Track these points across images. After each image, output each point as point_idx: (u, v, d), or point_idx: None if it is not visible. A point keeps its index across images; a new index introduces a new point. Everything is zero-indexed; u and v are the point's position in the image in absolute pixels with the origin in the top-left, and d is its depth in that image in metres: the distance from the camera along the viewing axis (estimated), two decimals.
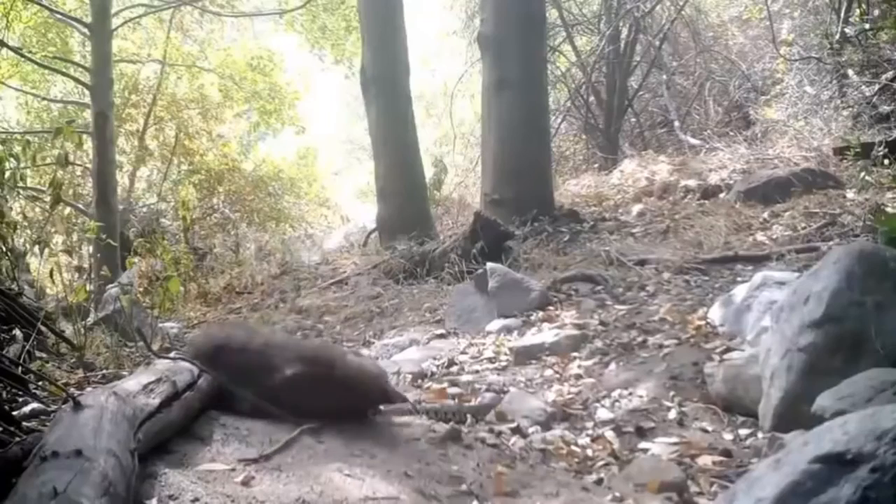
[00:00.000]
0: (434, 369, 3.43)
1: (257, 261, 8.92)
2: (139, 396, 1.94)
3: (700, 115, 10.90)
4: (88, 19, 9.44)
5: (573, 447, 2.34)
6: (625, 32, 10.64)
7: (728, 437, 2.33)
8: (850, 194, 5.75)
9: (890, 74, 7.99)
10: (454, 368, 3.43)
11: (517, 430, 2.48)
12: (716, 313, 3.39)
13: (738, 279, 4.02)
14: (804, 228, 5.10)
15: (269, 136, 15.87)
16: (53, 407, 2.22)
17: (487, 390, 2.98)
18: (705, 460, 2.13)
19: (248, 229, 12.08)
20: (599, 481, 2.08)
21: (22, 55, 10.48)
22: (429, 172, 9.06)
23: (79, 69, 10.19)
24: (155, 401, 1.97)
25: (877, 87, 8.05)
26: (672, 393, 2.71)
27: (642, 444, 2.33)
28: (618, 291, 4.29)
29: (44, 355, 3.13)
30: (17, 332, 3.01)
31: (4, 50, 9.85)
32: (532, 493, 1.90)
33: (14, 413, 2.07)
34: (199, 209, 12.10)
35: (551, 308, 4.10)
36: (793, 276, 3.15)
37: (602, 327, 3.63)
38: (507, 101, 6.59)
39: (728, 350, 2.98)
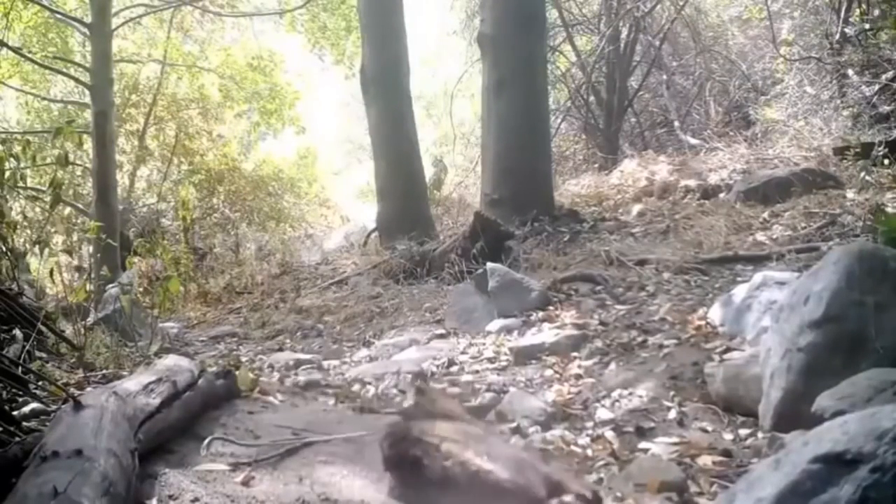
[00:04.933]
0: (434, 369, 3.43)
1: (257, 261, 8.93)
2: (139, 396, 1.95)
3: (700, 115, 10.90)
4: (88, 19, 9.44)
5: (573, 447, 2.33)
6: (625, 32, 10.64)
7: (728, 437, 2.33)
8: (850, 194, 5.75)
9: (890, 74, 7.99)
10: (454, 368, 3.43)
11: (517, 430, 2.48)
12: (716, 313, 3.39)
13: (738, 279, 4.02)
14: (804, 228, 5.09)
15: (270, 136, 15.88)
16: (53, 407, 2.22)
17: (487, 390, 2.98)
18: (705, 460, 2.13)
19: (248, 229, 12.09)
20: (599, 481, 2.07)
21: (22, 55, 10.49)
22: (429, 172, 9.07)
23: (79, 69, 10.19)
24: (155, 401, 1.98)
25: (877, 87, 8.05)
26: (672, 393, 2.70)
27: (642, 444, 2.33)
28: (618, 291, 4.28)
29: (44, 355, 3.13)
30: (17, 332, 3.01)
31: (4, 50, 9.85)
32: None
33: (14, 413, 2.07)
34: (199, 209, 12.11)
35: (551, 308, 4.10)
36: (793, 276, 3.14)
37: (602, 327, 3.63)
38: (507, 101, 6.58)
39: (728, 350, 2.97)
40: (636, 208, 6.98)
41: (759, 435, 2.27)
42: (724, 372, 2.62)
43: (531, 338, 3.60)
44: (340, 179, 19.77)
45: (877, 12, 8.63)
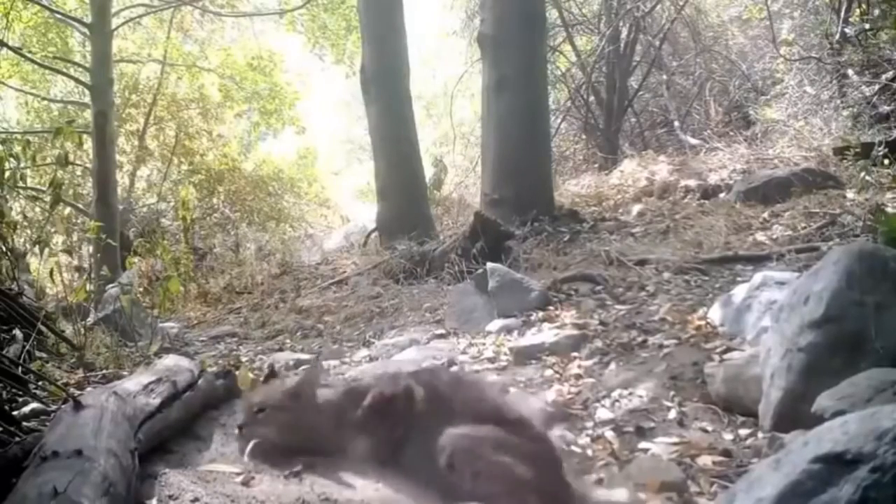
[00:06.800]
0: None
1: (257, 261, 8.92)
2: (139, 396, 1.95)
3: (700, 115, 10.90)
4: (88, 19, 9.45)
5: (573, 447, 2.33)
6: (625, 32, 10.64)
7: (728, 437, 2.33)
8: (850, 194, 5.75)
9: (890, 74, 7.99)
10: (454, 368, 3.43)
11: None
12: (716, 313, 3.39)
13: (738, 279, 4.02)
14: (804, 228, 5.09)
15: (270, 136, 15.89)
16: (53, 407, 2.22)
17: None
18: (705, 460, 2.13)
19: (248, 229, 12.09)
20: (599, 481, 2.08)
21: (22, 55, 10.49)
22: (429, 172, 9.07)
23: (79, 69, 10.20)
24: (155, 401, 1.98)
25: (877, 87, 8.05)
26: (672, 393, 2.70)
27: (642, 444, 2.33)
28: (618, 291, 4.28)
29: (44, 355, 3.13)
30: (17, 332, 3.01)
31: (4, 50, 9.85)
32: None
33: (14, 413, 2.07)
34: (199, 209, 12.12)
35: (551, 308, 4.10)
36: (793, 276, 3.15)
37: (602, 327, 3.62)
38: (507, 101, 6.58)
39: (728, 350, 2.97)
40: (636, 208, 6.98)
41: (759, 435, 2.27)
42: (724, 372, 2.62)
43: (531, 338, 3.60)
44: (340, 179, 19.77)
45: (877, 12, 8.63)
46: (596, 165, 10.07)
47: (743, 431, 2.34)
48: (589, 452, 2.30)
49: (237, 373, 2.76)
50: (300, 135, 14.99)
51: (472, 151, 11.51)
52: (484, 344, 3.75)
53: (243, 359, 4.21)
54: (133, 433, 1.73)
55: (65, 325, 3.84)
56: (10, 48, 9.84)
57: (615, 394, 2.77)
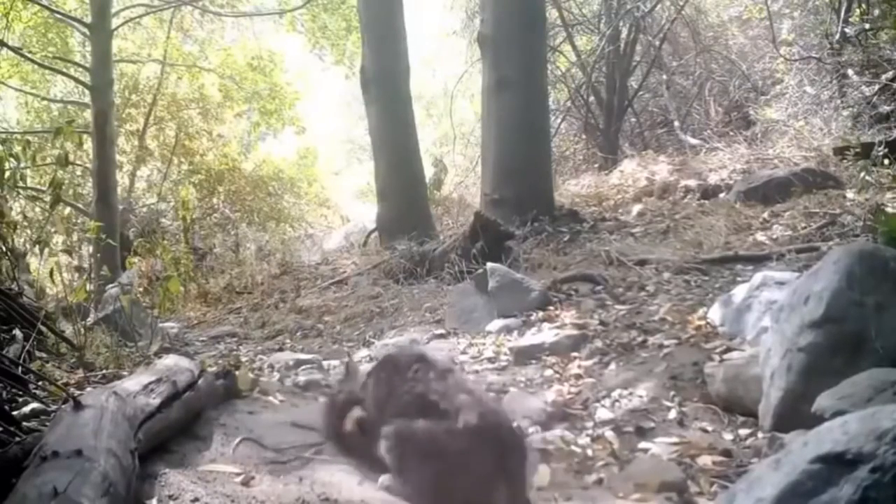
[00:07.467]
0: None
1: (257, 261, 8.92)
2: (139, 396, 1.95)
3: (700, 115, 10.90)
4: (88, 19, 9.45)
5: (573, 447, 2.33)
6: (625, 32, 10.64)
7: (728, 437, 2.33)
8: (850, 194, 5.75)
9: (890, 74, 7.99)
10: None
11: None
12: (716, 313, 3.39)
13: (738, 279, 4.02)
14: (804, 228, 5.09)
15: (270, 136, 15.88)
16: (53, 407, 2.22)
17: (487, 390, 2.97)
18: (705, 460, 2.13)
19: (248, 229, 12.09)
20: (599, 481, 2.08)
21: (22, 55, 10.50)
22: (429, 172, 9.07)
23: (79, 69, 10.20)
24: (155, 401, 1.98)
25: (877, 87, 8.05)
26: (672, 393, 2.70)
27: (642, 444, 2.33)
28: (618, 291, 4.28)
29: (44, 355, 3.13)
30: (17, 332, 3.01)
31: (4, 50, 9.85)
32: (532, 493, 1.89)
33: (14, 413, 2.07)
34: (199, 209, 12.12)
35: (551, 308, 4.10)
36: (793, 276, 3.15)
37: (602, 327, 3.63)
38: (507, 101, 6.58)
39: (728, 350, 2.98)
40: (636, 208, 6.98)
41: (759, 435, 2.27)
42: (724, 372, 2.62)
43: (531, 338, 3.60)
44: (340, 179, 19.76)
45: (877, 12, 8.63)
46: (596, 165, 10.07)
47: (743, 431, 2.34)
48: (589, 452, 2.30)
49: (237, 373, 2.76)
50: (300, 135, 14.99)
51: (472, 151, 11.51)
52: (484, 344, 3.75)
53: (243, 359, 4.21)
54: (133, 433, 1.73)
55: (65, 325, 3.83)
56: (10, 48, 9.85)
57: (615, 394, 2.77)
